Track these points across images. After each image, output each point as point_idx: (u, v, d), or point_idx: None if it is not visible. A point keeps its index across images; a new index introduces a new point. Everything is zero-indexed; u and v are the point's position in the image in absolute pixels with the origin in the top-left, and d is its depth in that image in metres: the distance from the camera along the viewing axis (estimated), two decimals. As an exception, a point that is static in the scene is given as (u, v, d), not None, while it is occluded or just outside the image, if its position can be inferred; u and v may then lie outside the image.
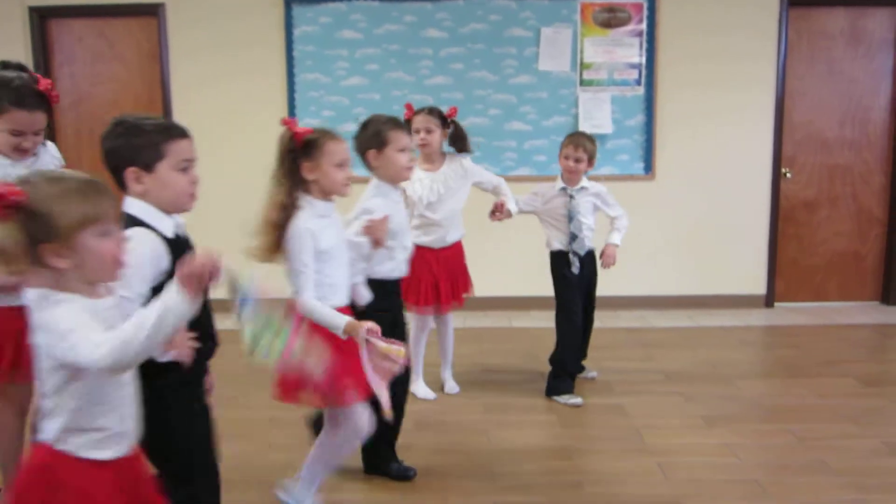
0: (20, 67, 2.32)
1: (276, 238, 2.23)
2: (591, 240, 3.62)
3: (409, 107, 3.50)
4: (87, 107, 5.23)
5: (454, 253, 3.56)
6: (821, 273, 5.45)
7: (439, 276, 3.47)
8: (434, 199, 3.42)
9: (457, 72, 5.12)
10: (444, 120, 3.47)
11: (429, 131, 3.43)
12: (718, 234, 5.28)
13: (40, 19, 5.12)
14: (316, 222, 2.25)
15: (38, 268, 1.36)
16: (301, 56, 5.10)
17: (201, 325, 1.70)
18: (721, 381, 3.84)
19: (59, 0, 5.07)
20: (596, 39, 5.09)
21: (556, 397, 3.58)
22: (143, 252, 1.63)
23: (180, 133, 1.76)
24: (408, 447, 2.92)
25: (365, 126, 2.64)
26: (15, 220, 1.33)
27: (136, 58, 5.23)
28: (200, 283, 1.36)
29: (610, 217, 3.68)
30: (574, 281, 3.60)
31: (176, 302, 1.34)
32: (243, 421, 3.30)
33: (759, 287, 5.36)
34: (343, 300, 2.34)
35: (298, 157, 2.25)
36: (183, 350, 1.62)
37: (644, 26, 5.08)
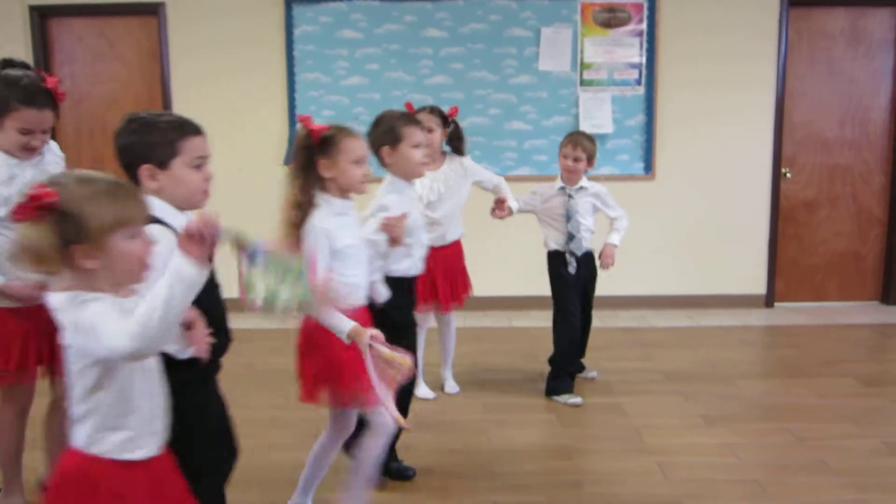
0: (24, 66, 2.31)
1: (295, 237, 2.21)
2: (589, 241, 3.62)
3: (409, 106, 3.49)
4: (88, 106, 5.21)
5: (453, 252, 3.55)
6: (821, 273, 5.46)
7: (437, 274, 3.45)
8: (434, 198, 3.42)
9: (457, 71, 5.12)
10: (445, 119, 3.47)
11: (430, 130, 3.42)
12: (718, 234, 5.28)
13: (40, 18, 5.12)
14: (333, 220, 2.22)
15: (68, 269, 1.37)
16: (301, 55, 5.10)
17: (215, 321, 1.69)
18: (721, 380, 3.84)
19: (59, -1, 5.08)
20: (596, 39, 5.09)
21: (555, 397, 3.58)
22: (161, 250, 1.62)
23: (194, 130, 1.75)
24: (408, 447, 2.92)
25: (378, 123, 2.61)
26: (48, 221, 1.33)
27: (137, 57, 5.22)
28: (202, 244, 1.34)
29: (610, 218, 3.67)
30: (570, 281, 3.59)
31: (182, 269, 1.32)
32: (243, 421, 3.24)
33: (758, 287, 5.36)
34: (361, 300, 2.32)
35: (315, 154, 2.22)
36: (202, 346, 1.61)
37: (644, 26, 5.08)
